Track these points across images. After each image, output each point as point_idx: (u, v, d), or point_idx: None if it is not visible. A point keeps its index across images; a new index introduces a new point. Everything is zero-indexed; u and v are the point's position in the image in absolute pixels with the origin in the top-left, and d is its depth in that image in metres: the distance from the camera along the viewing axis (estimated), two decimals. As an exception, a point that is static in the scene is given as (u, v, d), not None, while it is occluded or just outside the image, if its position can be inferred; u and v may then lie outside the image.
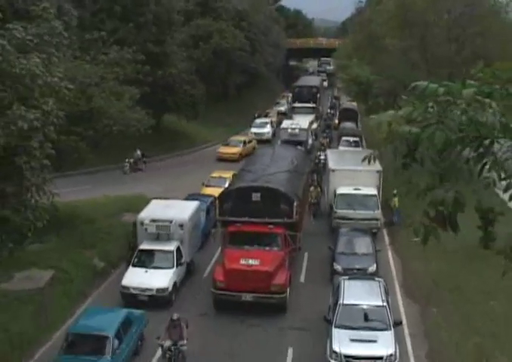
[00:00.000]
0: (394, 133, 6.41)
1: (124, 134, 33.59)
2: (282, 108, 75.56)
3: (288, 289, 24.66)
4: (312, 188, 36.36)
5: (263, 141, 56.92)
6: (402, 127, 6.36)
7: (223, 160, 50.61)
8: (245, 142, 54.32)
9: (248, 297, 23.98)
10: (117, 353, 19.18)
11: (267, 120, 63.93)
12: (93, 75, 31.26)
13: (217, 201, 27.78)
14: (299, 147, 49.48)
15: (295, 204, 26.55)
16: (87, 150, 30.07)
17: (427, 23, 40.11)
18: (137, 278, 25.14)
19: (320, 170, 42.61)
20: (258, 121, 63.79)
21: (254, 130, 60.36)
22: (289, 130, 52.52)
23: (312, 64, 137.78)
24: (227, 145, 54.00)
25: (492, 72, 7.18)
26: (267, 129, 61.08)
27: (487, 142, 6.46)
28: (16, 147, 13.23)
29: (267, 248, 25.66)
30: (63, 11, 19.91)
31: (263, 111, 71.92)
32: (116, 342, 19.37)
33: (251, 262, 24.46)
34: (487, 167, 6.67)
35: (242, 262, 24.48)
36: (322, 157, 46.51)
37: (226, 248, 25.84)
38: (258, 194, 26.39)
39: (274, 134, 60.84)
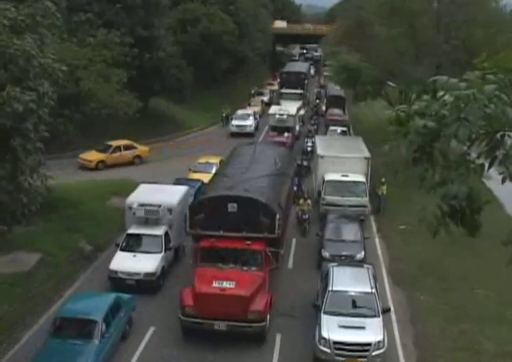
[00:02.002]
0: (408, 126, 6.34)
1: (112, 117, 33.35)
2: (265, 98, 71.79)
3: (269, 317, 21.47)
4: (301, 201, 32.13)
5: (244, 134, 54.12)
6: (417, 121, 6.30)
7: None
8: (116, 148, 43.63)
9: (221, 326, 20.83)
10: (105, 337, 19.08)
11: (249, 111, 60.11)
12: (81, 57, 31.02)
13: (187, 212, 23.84)
14: (286, 134, 49.81)
15: (277, 216, 23.01)
16: (75, 133, 29.85)
17: (415, 10, 40.03)
18: (125, 262, 25.00)
19: (305, 173, 39.75)
20: (240, 112, 59.68)
21: (235, 122, 56.81)
22: (277, 116, 51.73)
23: (298, 51, 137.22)
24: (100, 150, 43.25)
25: (496, 62, 7.14)
26: (250, 121, 57.19)
27: (499, 135, 6.43)
28: (11, 129, 13.06)
29: (245, 267, 22.32)
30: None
31: (261, 87, 72.39)
32: (104, 326, 19.21)
33: (225, 284, 21.16)
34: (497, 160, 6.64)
35: (215, 284, 21.18)
36: (309, 144, 45.85)
37: (197, 267, 22.39)
38: (235, 205, 22.91)
39: (257, 127, 57.78)
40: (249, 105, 66.82)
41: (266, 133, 53.75)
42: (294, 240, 30.33)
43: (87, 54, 31.81)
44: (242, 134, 53.97)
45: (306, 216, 31.74)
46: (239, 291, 21.09)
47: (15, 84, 12.98)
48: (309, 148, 45.20)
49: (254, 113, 59.41)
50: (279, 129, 50.60)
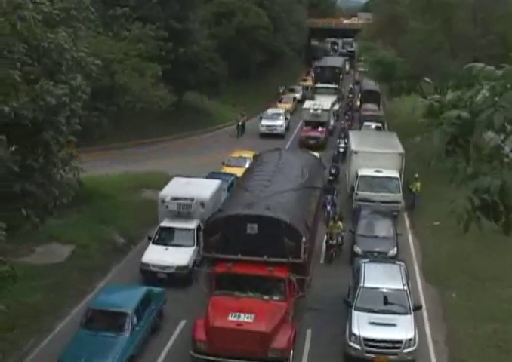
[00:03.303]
0: (441, 117, 6.23)
1: (145, 111, 33.50)
2: (298, 95, 69.47)
3: (292, 353, 19.23)
4: (331, 223, 28.07)
5: (274, 135, 51.75)
6: (450, 112, 6.18)
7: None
8: None
9: None
10: (136, 330, 19.25)
11: (280, 110, 56.51)
12: (116, 51, 31.19)
13: (201, 233, 21.27)
14: (320, 129, 49.30)
15: (303, 239, 20.21)
16: (109, 126, 30.06)
17: (451, 4, 39.51)
18: (157, 255, 25.15)
19: (337, 189, 34.75)
20: (270, 111, 56.21)
21: (264, 122, 53.45)
22: (311, 111, 50.85)
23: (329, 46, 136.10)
24: None
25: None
26: (280, 121, 53.72)
27: None
28: (43, 122, 13.18)
29: (265, 297, 19.83)
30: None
31: (294, 83, 71.83)
32: (135, 318, 19.36)
33: (242, 317, 18.92)
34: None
35: (231, 317, 18.93)
36: (342, 145, 43.94)
37: (212, 295, 20.07)
38: (255, 226, 20.12)
39: (288, 128, 54.89)
40: (280, 101, 64.75)
41: (299, 129, 53.07)
42: (325, 236, 28.57)
43: (123, 48, 31.96)
44: (271, 135, 51.96)
45: (334, 241, 27.38)
46: (259, 326, 18.76)
47: (48, 78, 13.11)
48: (341, 150, 43.40)
49: (285, 112, 56.57)
50: (312, 124, 49.98)
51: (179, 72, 46.87)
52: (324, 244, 28.09)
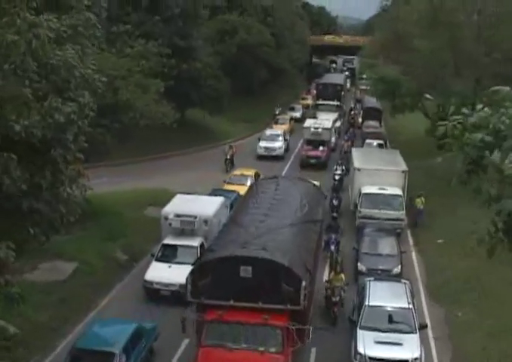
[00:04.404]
0: (464, 139, 6.19)
1: (149, 127, 33.49)
2: (297, 114, 68.36)
3: None
4: (331, 276, 24.17)
5: (273, 157, 50.16)
6: (474, 135, 6.14)
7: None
8: None
9: None
10: (124, 370, 18.06)
11: (279, 131, 54.56)
12: (119, 67, 31.22)
13: (189, 277, 18.79)
14: (321, 148, 48.49)
15: (303, 283, 18.06)
16: (113, 142, 30.04)
17: (457, 23, 39.67)
18: (160, 273, 25.06)
19: (341, 227, 30.83)
20: (268, 132, 54.34)
21: (262, 143, 51.44)
22: (312, 130, 50.18)
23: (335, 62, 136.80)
24: None
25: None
26: (279, 142, 51.93)
27: None
28: (51, 140, 13.15)
29: (261, 348, 17.80)
30: (93, 3, 19.76)
31: (286, 107, 70.32)
32: (124, 358, 18.10)
33: None
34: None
35: None
36: (339, 172, 41.06)
37: (202, 346, 18.07)
38: (249, 269, 18.11)
39: (287, 149, 53.25)
40: (275, 123, 62.07)
41: (299, 149, 52.33)
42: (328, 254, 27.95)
43: (126, 65, 31.99)
44: (269, 157, 50.23)
45: (337, 298, 23.43)
46: None
47: (56, 95, 13.10)
48: (337, 177, 40.44)
49: (284, 133, 54.50)
50: (314, 143, 49.12)
51: (182, 89, 46.92)
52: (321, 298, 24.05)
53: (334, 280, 23.73)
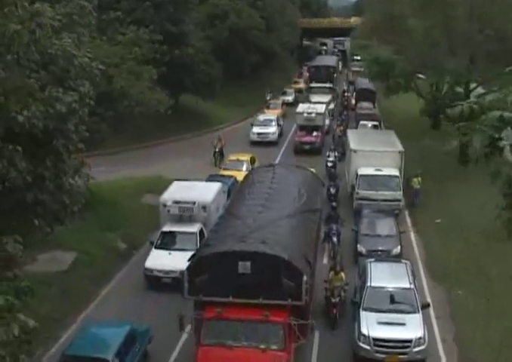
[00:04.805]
0: (481, 120, 6.11)
1: (144, 115, 33.34)
2: (290, 98, 67.54)
3: None
4: (331, 275, 22.60)
5: (267, 143, 49.15)
6: (492, 113, 6.07)
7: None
8: None
9: None
10: (117, 375, 17.27)
11: (272, 116, 53.36)
12: (112, 55, 31.03)
13: (185, 273, 18.06)
14: (315, 133, 47.43)
15: (305, 278, 17.48)
16: (108, 131, 29.92)
17: (448, 1, 39.47)
18: (160, 260, 25.04)
19: (342, 218, 29.29)
20: (261, 117, 53.18)
21: (255, 129, 50.36)
22: (305, 115, 48.45)
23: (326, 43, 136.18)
24: None
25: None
26: (273, 128, 50.68)
27: None
28: (53, 130, 13.03)
29: (262, 346, 17.19)
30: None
31: (278, 91, 69.94)
32: None
33: None
34: None
35: None
36: (331, 159, 40.30)
37: (201, 345, 17.50)
38: (248, 264, 17.43)
39: (281, 134, 52.05)
40: (267, 108, 61.25)
41: (292, 134, 51.49)
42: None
43: (118, 52, 31.81)
44: (263, 143, 49.23)
45: (337, 298, 21.99)
46: None
47: (56, 85, 12.98)
48: (329, 164, 39.73)
49: (278, 118, 53.32)
50: (307, 128, 48.01)
51: (174, 75, 46.70)
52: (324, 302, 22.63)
53: (333, 280, 22.35)
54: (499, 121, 5.88)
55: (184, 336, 19.99)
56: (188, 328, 18.69)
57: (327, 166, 39.43)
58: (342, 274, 22.53)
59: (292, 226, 20.23)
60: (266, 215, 20.25)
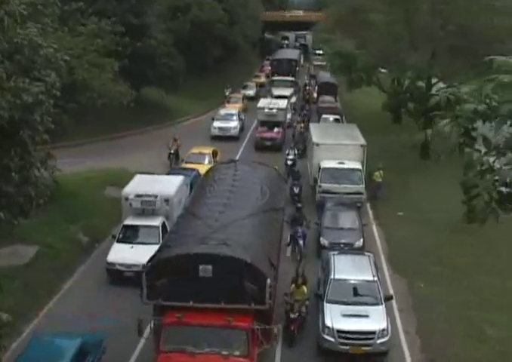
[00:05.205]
0: (456, 110, 6.20)
1: (106, 107, 33.04)
2: (251, 92, 66.79)
3: None
4: (292, 288, 21.09)
5: (228, 138, 48.10)
6: (467, 105, 6.15)
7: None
8: None
9: None
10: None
11: (233, 111, 52.46)
12: (74, 46, 30.64)
13: (144, 277, 17.18)
14: (276, 129, 46.30)
15: (269, 281, 16.87)
16: (70, 123, 29.55)
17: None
18: (122, 254, 24.81)
19: (307, 219, 28.22)
20: (223, 112, 52.22)
21: (216, 123, 49.40)
22: (266, 110, 47.48)
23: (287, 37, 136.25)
24: None
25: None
26: (234, 122, 49.85)
27: None
28: (20, 121, 12.81)
29: (225, 352, 16.56)
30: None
31: (240, 85, 69.67)
32: None
33: None
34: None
35: None
36: (291, 157, 39.11)
37: (161, 352, 16.84)
38: (209, 267, 16.74)
39: (242, 129, 51.23)
40: (228, 102, 60.19)
41: (254, 129, 50.43)
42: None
43: (80, 44, 31.44)
44: (224, 138, 48.15)
45: (297, 314, 20.46)
46: None
47: (22, 75, 12.76)
48: (289, 162, 38.63)
49: (239, 113, 52.40)
50: (268, 124, 46.95)
51: (136, 67, 46.23)
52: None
53: (295, 293, 20.93)
54: (473, 113, 5.99)
55: (143, 342, 18.96)
56: (147, 333, 17.89)
57: (286, 164, 38.34)
58: (304, 288, 21.16)
59: (255, 226, 19.58)
60: (227, 214, 19.53)
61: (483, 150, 6.74)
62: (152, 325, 17.29)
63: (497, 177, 6.51)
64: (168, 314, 16.96)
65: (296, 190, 33.43)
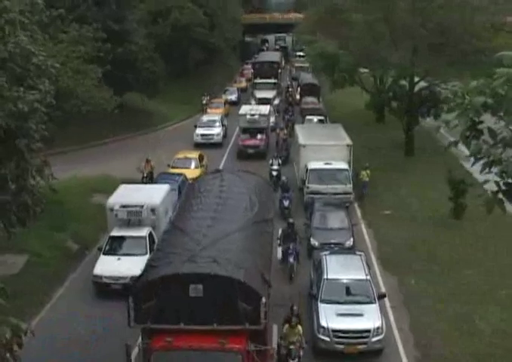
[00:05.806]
0: (464, 103, 6.27)
1: (90, 114, 32.94)
2: (233, 97, 65.79)
3: None
4: (286, 328, 18.74)
5: (211, 145, 46.84)
6: (477, 98, 6.21)
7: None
8: None
9: None
10: None
11: (216, 117, 51.17)
12: (56, 53, 30.52)
13: (130, 300, 15.96)
14: (259, 136, 44.64)
15: (263, 300, 15.75)
16: (54, 130, 29.41)
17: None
18: (109, 267, 24.28)
19: (299, 235, 26.87)
20: (205, 118, 50.92)
21: (199, 131, 48.12)
22: (248, 117, 45.81)
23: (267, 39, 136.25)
24: None
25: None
26: (217, 129, 48.64)
27: None
28: (16, 129, 12.72)
29: None
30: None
31: (221, 89, 69.37)
32: None
33: None
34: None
35: None
36: (275, 167, 37.42)
37: None
38: (199, 287, 15.62)
39: (225, 135, 50.02)
40: (205, 111, 58.29)
41: (236, 136, 48.62)
42: (280, 229, 25.76)
43: (63, 51, 31.33)
44: (207, 145, 46.75)
45: (296, 360, 18.52)
46: None
47: (16, 83, 12.69)
48: (274, 173, 36.83)
49: (222, 118, 51.25)
50: (251, 131, 45.26)
51: (118, 73, 46.13)
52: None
53: (290, 333, 18.68)
54: (483, 106, 6.06)
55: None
56: (135, 358, 16.97)
57: (271, 175, 36.35)
58: (299, 328, 18.72)
59: (246, 240, 18.38)
60: (216, 228, 18.31)
61: (491, 142, 6.81)
62: (140, 349, 16.33)
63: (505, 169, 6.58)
64: (156, 337, 15.75)
65: (286, 203, 31.68)
